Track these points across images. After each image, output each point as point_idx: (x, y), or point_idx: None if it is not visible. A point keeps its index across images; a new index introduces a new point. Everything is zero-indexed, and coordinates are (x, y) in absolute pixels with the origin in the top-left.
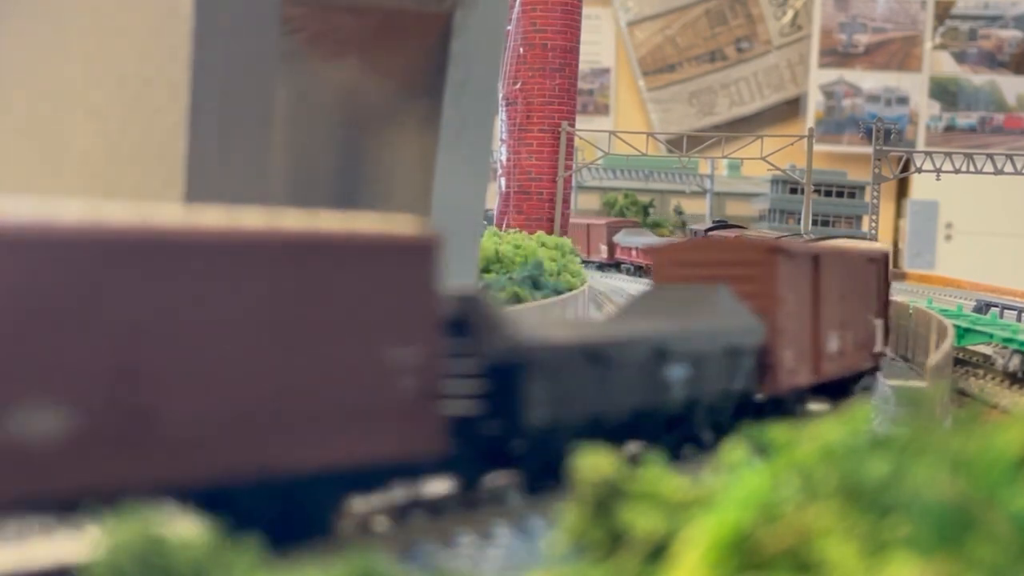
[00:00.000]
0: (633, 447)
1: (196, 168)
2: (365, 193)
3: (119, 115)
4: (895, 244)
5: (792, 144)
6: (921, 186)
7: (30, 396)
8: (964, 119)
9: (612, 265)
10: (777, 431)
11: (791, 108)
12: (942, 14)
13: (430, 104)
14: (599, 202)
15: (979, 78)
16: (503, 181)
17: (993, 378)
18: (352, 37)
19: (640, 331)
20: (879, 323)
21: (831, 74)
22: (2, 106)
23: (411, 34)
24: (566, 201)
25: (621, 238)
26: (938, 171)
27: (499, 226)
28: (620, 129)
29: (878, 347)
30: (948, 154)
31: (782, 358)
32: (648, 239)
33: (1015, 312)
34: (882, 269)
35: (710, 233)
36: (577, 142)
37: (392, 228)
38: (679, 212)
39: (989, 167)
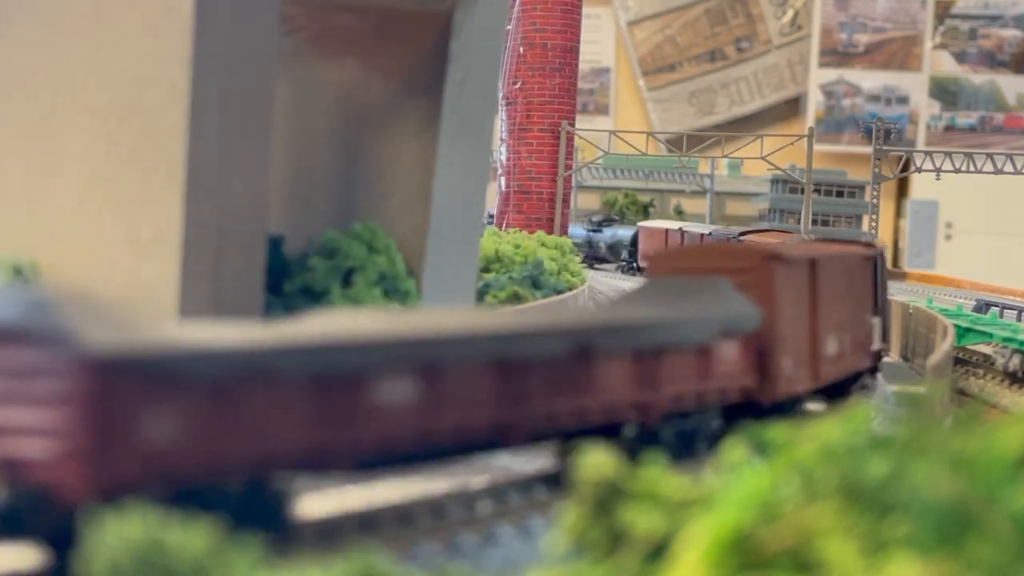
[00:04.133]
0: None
1: (196, 168)
2: (365, 193)
3: (119, 115)
4: (895, 244)
5: (792, 144)
6: (921, 186)
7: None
8: (964, 119)
9: None
10: (777, 431)
11: (791, 108)
12: (942, 13)
13: (430, 104)
14: (599, 202)
15: (979, 78)
16: (503, 181)
17: (993, 378)
18: (352, 36)
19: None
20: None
21: (831, 74)
22: (2, 105)
23: (411, 33)
24: (566, 201)
25: None
26: (938, 171)
27: (499, 226)
28: (620, 129)
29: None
30: (948, 154)
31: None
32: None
33: (1015, 312)
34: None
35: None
36: (577, 142)
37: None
38: (679, 212)
39: (989, 167)
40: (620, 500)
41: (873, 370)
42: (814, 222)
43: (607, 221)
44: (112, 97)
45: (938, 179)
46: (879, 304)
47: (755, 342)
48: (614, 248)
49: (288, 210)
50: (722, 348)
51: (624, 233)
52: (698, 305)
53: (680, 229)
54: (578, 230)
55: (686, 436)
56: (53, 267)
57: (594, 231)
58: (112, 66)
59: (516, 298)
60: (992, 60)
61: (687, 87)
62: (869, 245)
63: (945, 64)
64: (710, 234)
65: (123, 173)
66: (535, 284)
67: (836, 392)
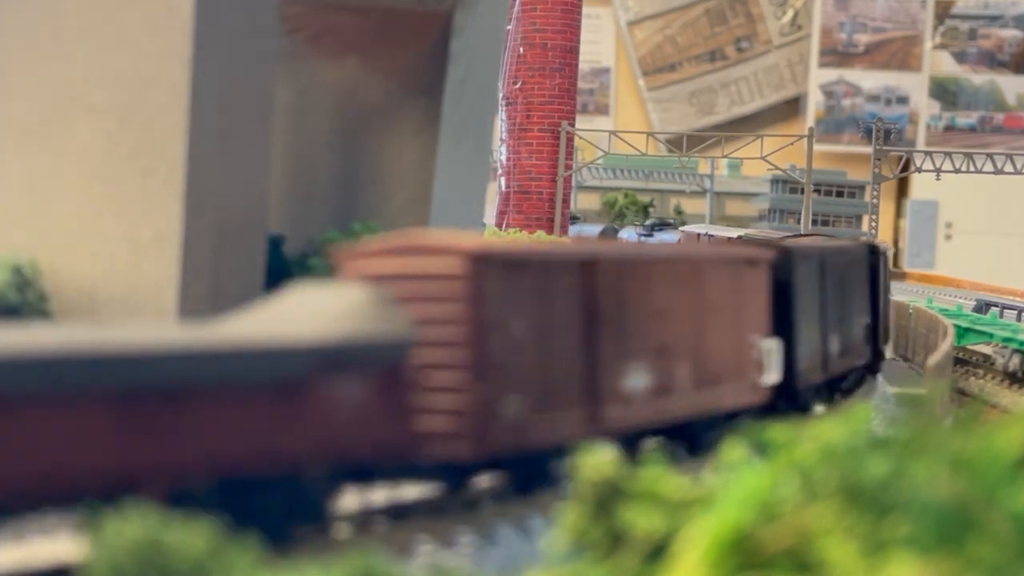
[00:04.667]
0: None
1: (196, 168)
2: (365, 193)
3: (119, 115)
4: (895, 243)
5: (792, 144)
6: (921, 186)
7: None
8: (964, 119)
9: None
10: (777, 431)
11: (791, 108)
12: (942, 14)
13: (430, 104)
14: (599, 202)
15: (979, 78)
16: (503, 181)
17: (993, 378)
18: (352, 37)
19: None
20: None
21: (831, 74)
22: (2, 105)
23: (411, 34)
24: (566, 201)
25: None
26: (938, 171)
27: (499, 226)
28: (620, 129)
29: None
30: (948, 154)
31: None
32: None
33: (1015, 312)
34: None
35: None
36: (577, 142)
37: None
38: (679, 212)
39: (989, 167)
40: (620, 500)
41: (766, 409)
42: (814, 222)
43: (660, 225)
44: (112, 97)
45: (938, 179)
46: (791, 322)
47: (429, 375)
48: None
49: (288, 210)
50: (331, 386)
51: (672, 238)
52: (306, 323)
53: (707, 233)
54: (631, 234)
55: (270, 511)
56: (53, 267)
57: (646, 236)
58: (112, 66)
59: None
60: (992, 60)
61: (687, 87)
62: (769, 246)
63: (945, 64)
64: (740, 237)
65: (123, 173)
66: None
67: (688, 437)
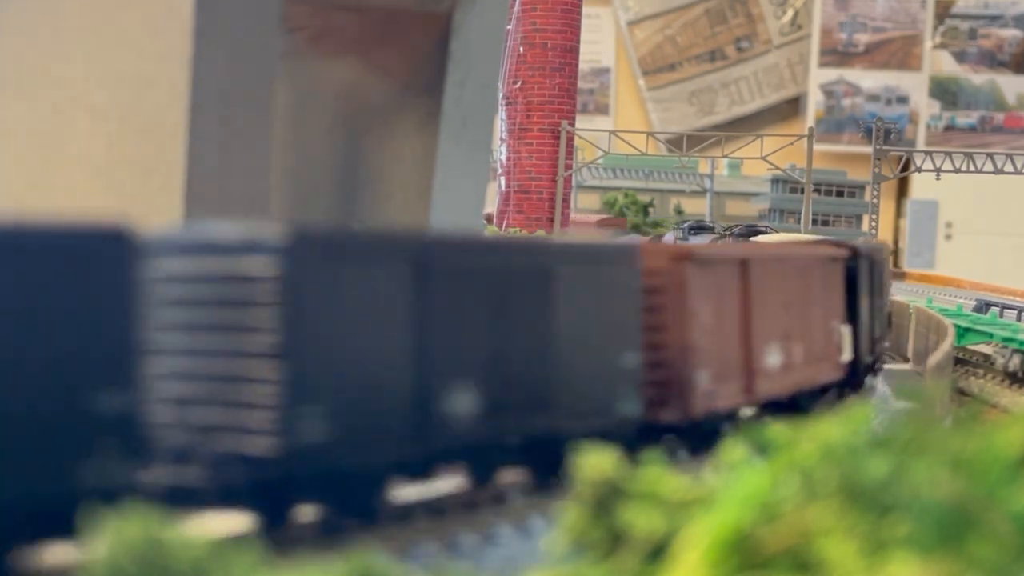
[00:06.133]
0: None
1: (196, 168)
2: (365, 193)
3: (119, 115)
4: (895, 243)
5: (792, 143)
6: (921, 186)
7: None
8: (964, 118)
9: None
10: (777, 431)
11: (791, 107)
12: (942, 13)
13: (430, 103)
14: (599, 202)
15: (979, 77)
16: (503, 181)
17: (993, 378)
18: (352, 36)
19: None
20: None
21: (831, 73)
22: (2, 105)
23: (411, 33)
24: (566, 201)
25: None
26: (938, 170)
27: (499, 226)
28: (620, 128)
29: None
30: (948, 153)
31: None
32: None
33: (1015, 312)
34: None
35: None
36: (577, 141)
37: None
38: (679, 212)
39: (989, 166)
40: (620, 500)
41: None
42: (814, 222)
43: (697, 228)
44: (112, 97)
45: (938, 179)
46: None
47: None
48: None
49: (288, 210)
50: None
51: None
52: None
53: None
54: (670, 237)
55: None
56: None
57: (683, 240)
58: (112, 66)
59: None
60: (992, 60)
61: (687, 87)
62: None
63: (945, 64)
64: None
65: (123, 173)
66: None
67: None
